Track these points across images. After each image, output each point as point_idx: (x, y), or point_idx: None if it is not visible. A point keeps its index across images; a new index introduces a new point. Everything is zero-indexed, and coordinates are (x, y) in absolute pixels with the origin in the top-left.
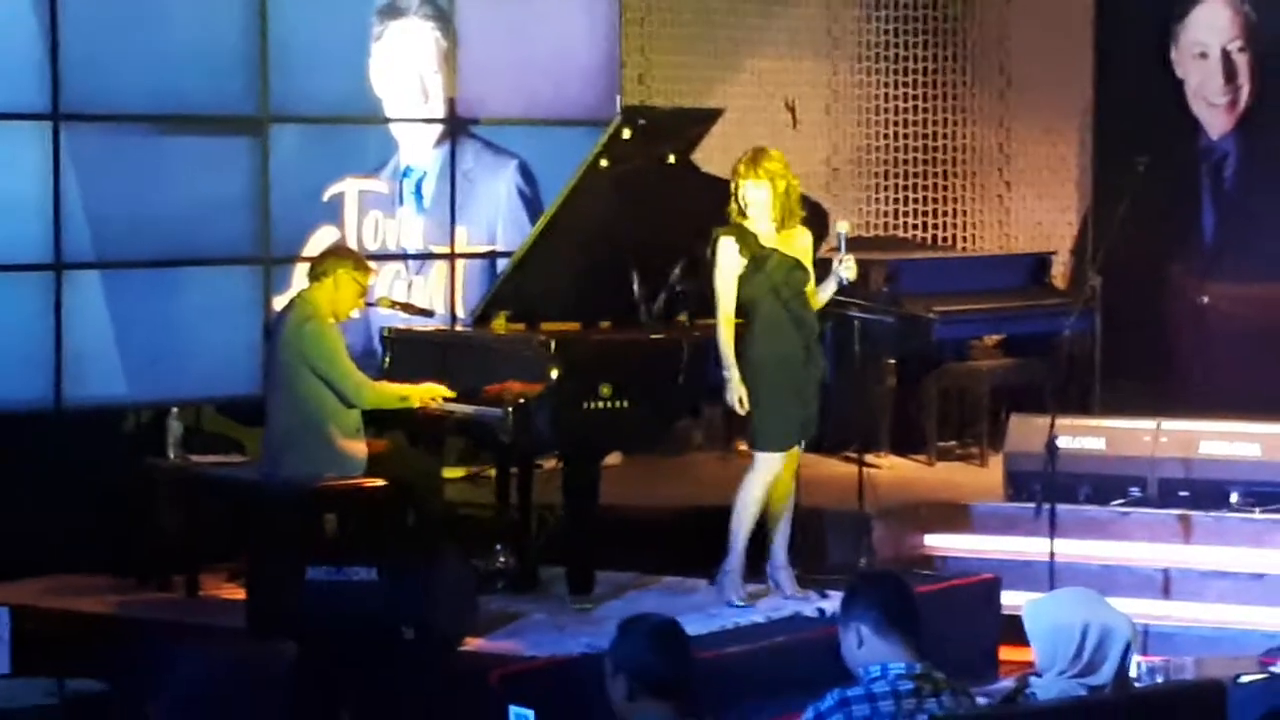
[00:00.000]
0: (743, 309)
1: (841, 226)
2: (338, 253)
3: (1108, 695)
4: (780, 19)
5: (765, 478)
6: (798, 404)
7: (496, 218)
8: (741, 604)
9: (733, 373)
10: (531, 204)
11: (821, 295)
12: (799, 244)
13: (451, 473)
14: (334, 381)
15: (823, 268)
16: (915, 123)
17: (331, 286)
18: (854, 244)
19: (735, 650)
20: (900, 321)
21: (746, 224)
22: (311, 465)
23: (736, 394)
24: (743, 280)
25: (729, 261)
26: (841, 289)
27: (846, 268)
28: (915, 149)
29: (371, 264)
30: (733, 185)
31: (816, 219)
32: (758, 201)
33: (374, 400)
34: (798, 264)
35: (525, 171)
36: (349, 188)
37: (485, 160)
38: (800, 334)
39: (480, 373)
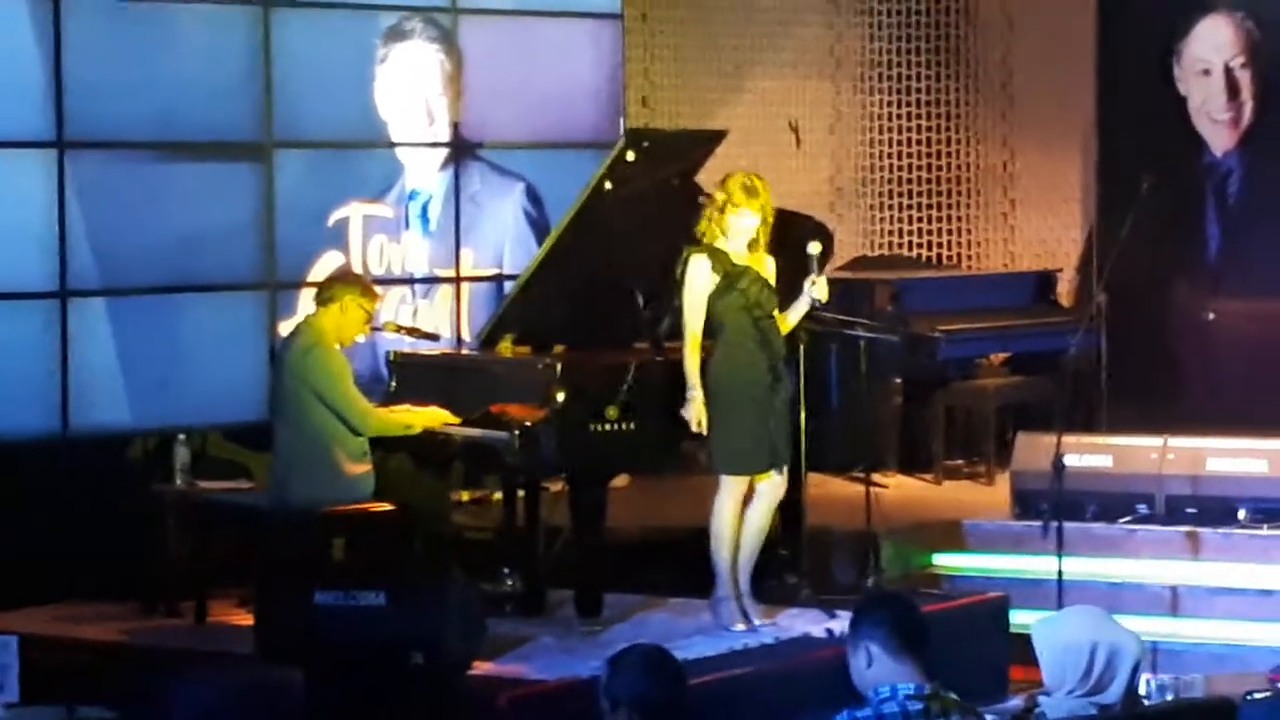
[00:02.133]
0: (711, 328)
1: (813, 248)
2: (345, 279)
3: (1117, 714)
4: (783, 40)
5: (730, 500)
6: (761, 428)
7: (503, 240)
8: (740, 629)
9: (696, 393)
10: (538, 226)
11: (791, 316)
12: (765, 268)
13: (459, 496)
14: (339, 408)
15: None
16: (919, 142)
17: (338, 312)
18: (858, 263)
19: (743, 671)
20: (906, 341)
21: (718, 244)
22: (319, 490)
23: (696, 415)
24: (713, 298)
25: (700, 280)
26: (814, 310)
27: (818, 289)
28: (919, 168)
29: (377, 289)
30: (718, 207)
31: (823, 239)
32: (746, 230)
33: (379, 428)
34: (768, 284)
35: (532, 194)
36: (354, 212)
37: (491, 183)
38: (766, 355)
39: (486, 396)
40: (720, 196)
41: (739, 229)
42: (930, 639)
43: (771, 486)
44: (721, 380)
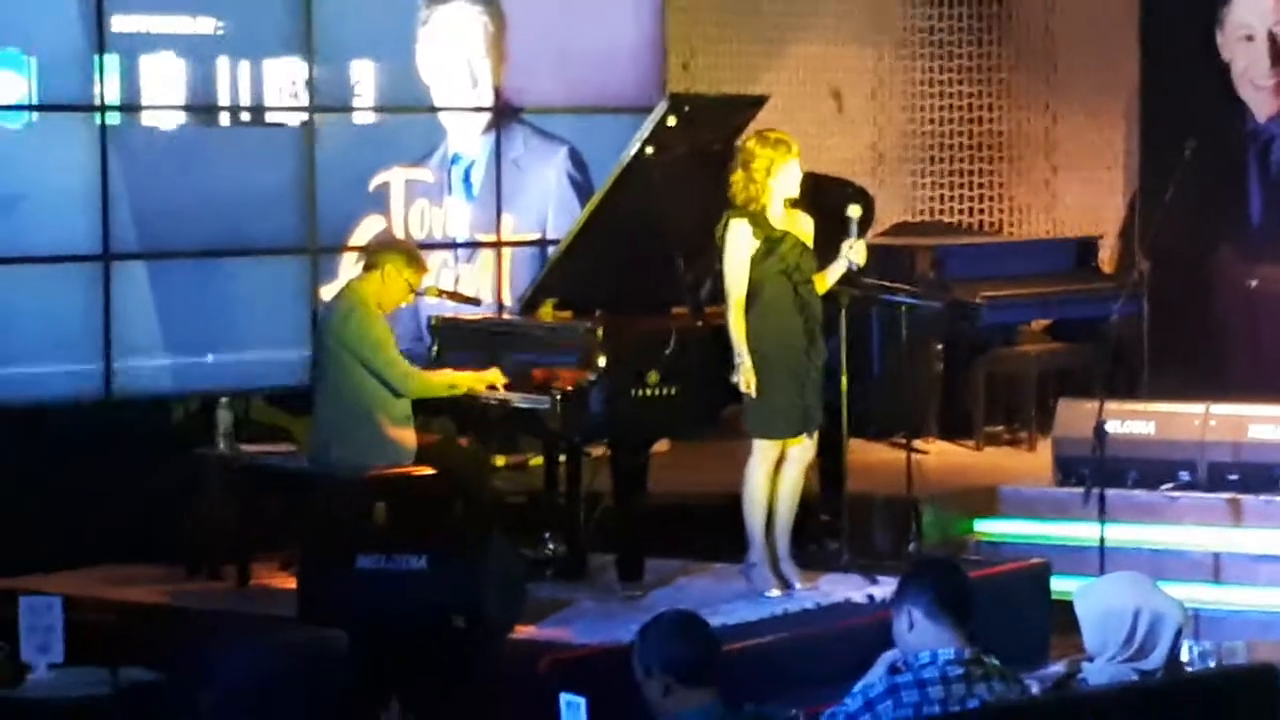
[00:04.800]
0: (750, 291)
1: (853, 210)
2: (394, 246)
3: (1159, 680)
4: (825, 5)
5: (763, 464)
6: (796, 392)
7: (547, 205)
8: (774, 594)
9: (745, 358)
10: (582, 190)
11: (828, 279)
12: (801, 227)
13: (500, 461)
14: (380, 371)
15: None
16: (961, 108)
17: (379, 279)
18: (900, 229)
19: (783, 636)
20: (948, 307)
21: (765, 204)
22: (360, 454)
23: (746, 379)
24: (754, 262)
25: (742, 245)
26: (850, 274)
27: (856, 252)
28: (961, 134)
29: (425, 259)
30: (761, 171)
31: (865, 205)
32: (791, 184)
33: (421, 389)
34: (808, 248)
35: (576, 158)
36: (395, 177)
37: (535, 147)
38: (804, 319)
39: (528, 361)
40: (758, 162)
41: (789, 182)
42: (974, 607)
43: (802, 450)
44: (759, 345)
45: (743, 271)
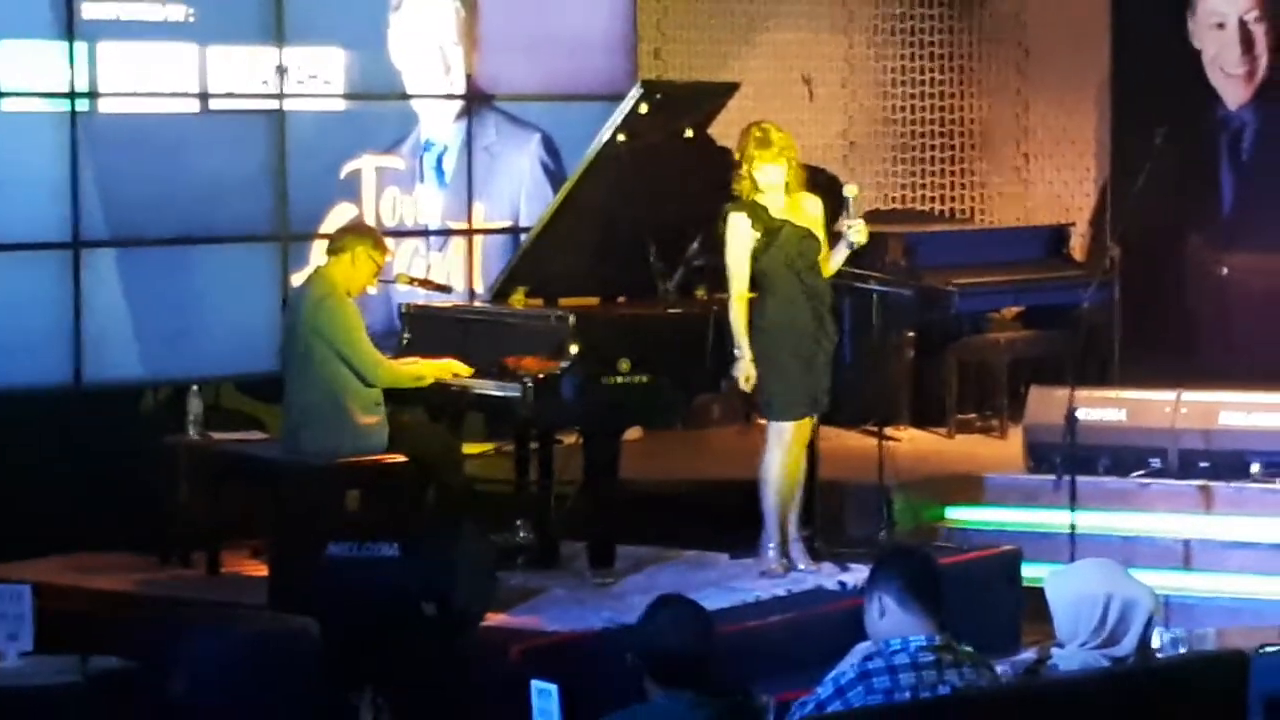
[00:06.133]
0: (755, 281)
1: (849, 190)
2: (357, 230)
3: (1130, 666)
4: None
5: (781, 448)
6: (808, 375)
7: (519, 192)
8: (780, 572)
9: (745, 352)
10: (555, 178)
11: (832, 262)
12: (809, 211)
13: (471, 448)
14: (351, 359)
15: (836, 236)
16: (932, 95)
17: (349, 263)
18: (872, 217)
19: (755, 624)
20: (919, 294)
21: (757, 199)
22: (332, 442)
23: (745, 373)
24: (756, 254)
25: (741, 237)
26: (853, 254)
27: (856, 231)
28: (932, 122)
29: (390, 241)
30: (743, 166)
31: (833, 193)
32: (773, 182)
33: (390, 379)
34: (809, 233)
35: (549, 145)
36: (366, 164)
37: (507, 134)
38: (812, 305)
39: (499, 348)
40: (743, 157)
41: (766, 183)
42: (944, 594)
43: (804, 432)
44: (770, 332)
45: (743, 264)
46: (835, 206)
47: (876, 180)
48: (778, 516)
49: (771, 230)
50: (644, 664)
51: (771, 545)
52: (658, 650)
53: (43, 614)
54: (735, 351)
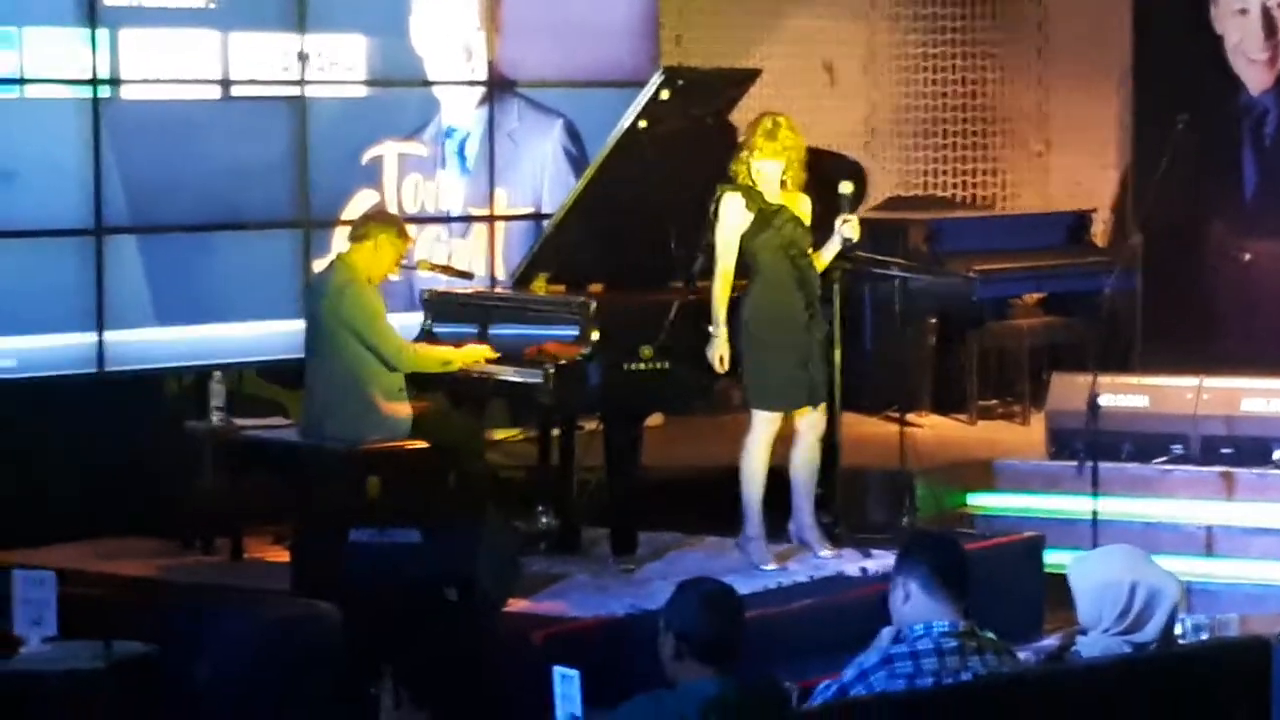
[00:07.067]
0: (747, 266)
1: (844, 187)
2: (380, 217)
3: (1153, 653)
4: None
5: (762, 437)
6: (798, 365)
7: (541, 178)
8: (770, 568)
9: (720, 330)
10: (577, 163)
11: (824, 256)
12: (800, 207)
13: (500, 434)
14: (374, 345)
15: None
16: (953, 81)
17: (371, 249)
18: (893, 203)
19: (777, 610)
20: (941, 281)
21: (752, 183)
22: (354, 428)
23: (718, 352)
24: (748, 236)
25: (733, 218)
26: (873, 241)
27: (850, 227)
28: (953, 108)
29: (411, 228)
30: (745, 151)
31: (857, 179)
32: (768, 176)
33: (414, 363)
34: (803, 224)
35: (571, 131)
36: (388, 150)
37: (529, 120)
38: (803, 293)
39: (521, 335)
40: (747, 144)
41: (764, 176)
42: (970, 582)
43: (811, 422)
44: (758, 318)
45: (732, 244)
46: (862, 198)
47: (898, 166)
48: (760, 509)
49: (766, 213)
50: (677, 642)
51: (754, 539)
52: (690, 628)
53: (66, 599)
54: (710, 329)
